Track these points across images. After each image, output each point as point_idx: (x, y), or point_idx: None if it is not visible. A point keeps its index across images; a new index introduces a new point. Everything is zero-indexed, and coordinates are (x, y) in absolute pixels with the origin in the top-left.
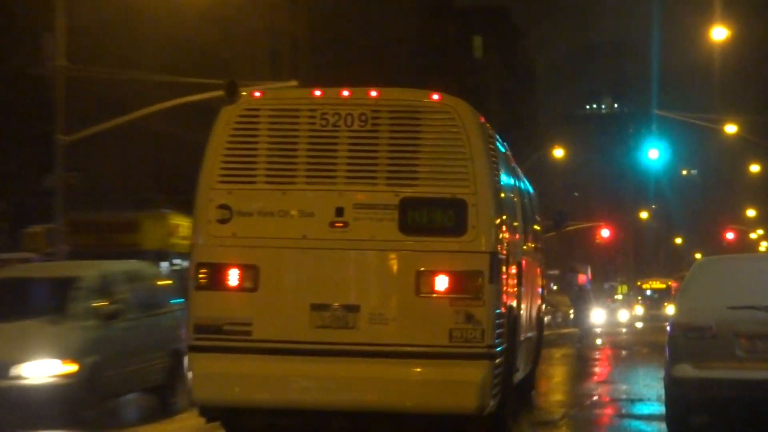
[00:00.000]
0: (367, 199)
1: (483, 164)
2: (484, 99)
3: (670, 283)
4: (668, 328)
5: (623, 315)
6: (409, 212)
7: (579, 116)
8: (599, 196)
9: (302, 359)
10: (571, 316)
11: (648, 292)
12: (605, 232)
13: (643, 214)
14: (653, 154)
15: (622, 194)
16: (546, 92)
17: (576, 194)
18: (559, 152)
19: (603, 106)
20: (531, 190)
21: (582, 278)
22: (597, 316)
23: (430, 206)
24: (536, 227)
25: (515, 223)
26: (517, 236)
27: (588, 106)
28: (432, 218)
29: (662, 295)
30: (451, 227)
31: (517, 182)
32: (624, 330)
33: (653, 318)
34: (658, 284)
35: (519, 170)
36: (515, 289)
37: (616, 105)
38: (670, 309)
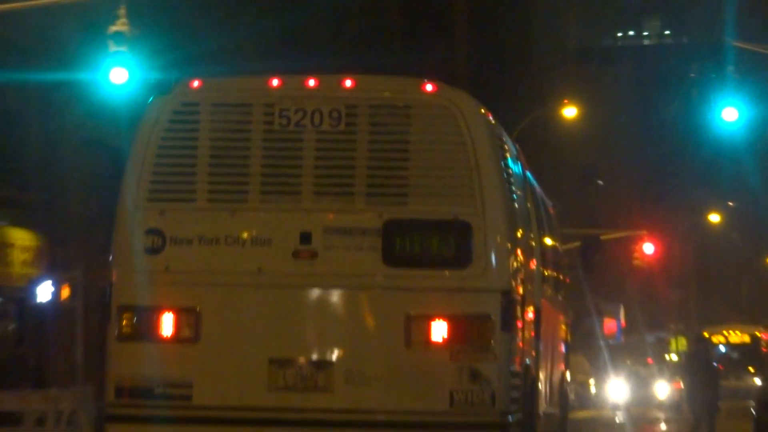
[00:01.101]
0: (342, 222)
1: (492, 175)
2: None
3: (758, 333)
4: (753, 414)
5: (661, 389)
6: (396, 238)
7: (605, 50)
8: (638, 186)
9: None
10: (593, 389)
11: (721, 349)
12: (648, 248)
13: (714, 217)
14: (729, 114)
15: (676, 184)
16: (550, 12)
17: (600, 182)
18: (570, 111)
19: (645, 33)
20: (548, 204)
21: (610, 325)
22: (618, 389)
23: (424, 230)
24: (559, 257)
25: (533, 253)
26: (536, 270)
27: (620, 33)
28: (426, 246)
29: (746, 355)
30: (451, 258)
31: (533, 197)
32: (665, 417)
33: (731, 393)
34: (738, 336)
35: (533, 179)
36: (533, 341)
37: (667, 31)
38: (758, 380)
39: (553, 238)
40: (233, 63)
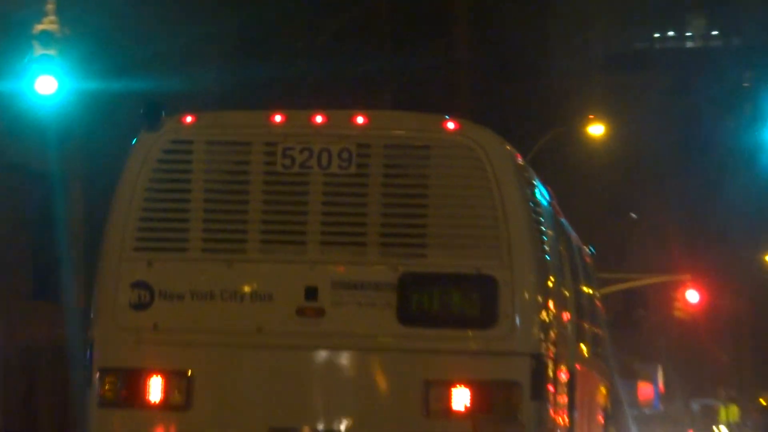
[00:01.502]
0: (352, 275)
1: (520, 224)
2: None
3: None
4: None
5: None
6: (413, 294)
7: (639, 54)
8: (679, 220)
9: None
10: None
11: None
12: (692, 296)
13: None
14: None
15: (725, 218)
16: (572, 8)
17: (633, 215)
18: (596, 129)
19: (688, 34)
20: (585, 252)
21: (645, 390)
22: None
23: (444, 285)
24: (597, 312)
25: (567, 310)
26: (570, 328)
27: (657, 34)
28: (446, 303)
29: None
30: (475, 317)
31: (568, 246)
32: None
33: None
34: None
35: (569, 227)
36: (567, 410)
37: (714, 32)
38: None
39: (590, 292)
40: (185, 69)
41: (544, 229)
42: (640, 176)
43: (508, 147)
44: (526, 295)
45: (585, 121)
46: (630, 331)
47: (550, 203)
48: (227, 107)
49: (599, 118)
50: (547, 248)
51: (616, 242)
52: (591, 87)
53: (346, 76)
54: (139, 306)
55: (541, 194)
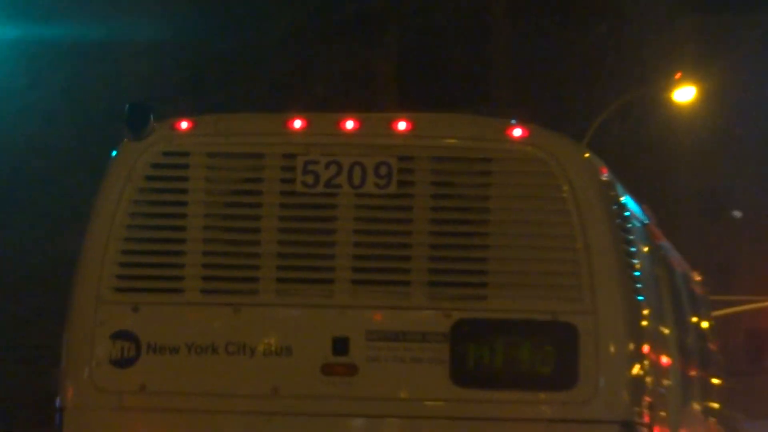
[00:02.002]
0: (392, 323)
1: (607, 256)
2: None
3: None
4: None
5: None
6: (469, 347)
7: None
8: None
9: None
10: None
11: None
12: None
13: None
14: None
15: None
16: None
17: (736, 214)
18: (685, 93)
19: None
20: (694, 282)
21: None
22: None
23: (510, 336)
24: (710, 358)
25: (669, 359)
26: (673, 386)
27: None
28: (513, 358)
29: None
30: (549, 375)
31: (670, 279)
32: None
33: None
34: None
35: (671, 251)
36: None
37: None
38: None
39: (700, 331)
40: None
41: (637, 261)
42: (747, 160)
43: (591, 159)
44: (614, 348)
45: (669, 83)
46: (747, 378)
47: (645, 226)
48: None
49: (689, 78)
50: (641, 285)
51: (712, 250)
52: (677, 36)
53: (340, 14)
54: (122, 362)
55: (634, 216)
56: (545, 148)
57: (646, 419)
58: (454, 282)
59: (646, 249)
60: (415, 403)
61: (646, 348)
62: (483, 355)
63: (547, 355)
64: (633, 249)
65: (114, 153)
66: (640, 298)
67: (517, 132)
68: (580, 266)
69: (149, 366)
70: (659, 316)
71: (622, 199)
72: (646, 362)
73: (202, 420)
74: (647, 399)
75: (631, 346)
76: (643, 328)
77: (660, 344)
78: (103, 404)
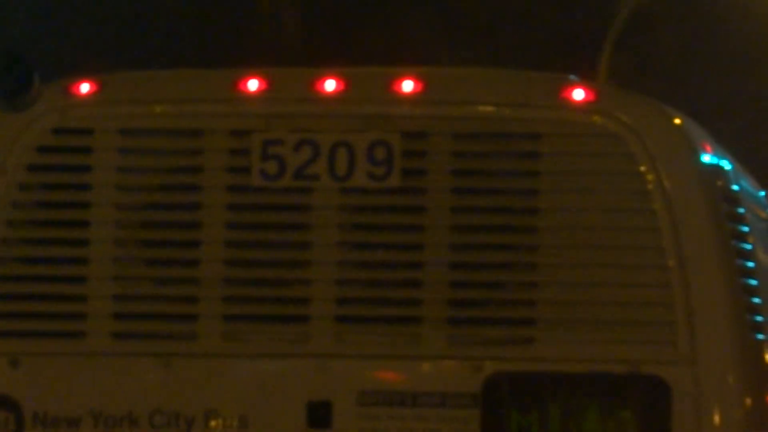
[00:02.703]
0: (396, 380)
1: (713, 279)
2: None
3: None
4: None
5: None
6: (511, 413)
7: None
8: None
9: None
10: None
11: None
12: None
13: None
14: None
15: None
16: None
17: None
18: None
19: None
20: None
21: None
22: None
23: (569, 396)
24: None
25: None
26: None
27: None
28: (576, 429)
29: None
30: None
31: None
32: None
33: None
34: None
35: None
36: None
37: None
38: None
39: None
40: None
41: (757, 281)
42: None
43: (688, 132)
44: (723, 413)
45: None
46: None
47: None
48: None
49: None
50: (764, 318)
51: None
52: None
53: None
54: None
55: (753, 213)
56: (621, 118)
57: None
58: (486, 318)
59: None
60: None
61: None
62: (530, 426)
63: (624, 424)
64: (751, 264)
65: None
66: (760, 336)
67: (579, 94)
68: (673, 294)
69: None
70: None
71: (735, 188)
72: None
73: None
74: None
75: (749, 409)
76: (763, 379)
77: None
78: None
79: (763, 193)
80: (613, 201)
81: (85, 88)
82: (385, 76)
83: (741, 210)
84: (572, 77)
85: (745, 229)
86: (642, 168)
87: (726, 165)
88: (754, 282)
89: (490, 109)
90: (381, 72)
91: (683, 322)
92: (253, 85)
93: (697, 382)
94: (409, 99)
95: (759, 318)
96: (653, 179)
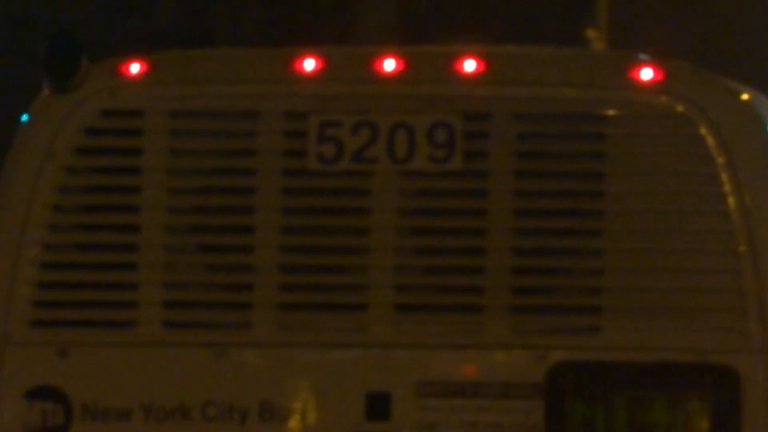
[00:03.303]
0: (457, 370)
1: None
2: None
3: None
4: None
5: None
6: (576, 404)
7: None
8: None
9: None
10: None
11: None
12: None
13: None
14: None
15: None
16: None
17: None
18: None
19: None
20: None
21: None
22: None
23: (637, 386)
24: None
25: None
26: None
27: None
28: (644, 422)
29: None
30: None
31: None
32: None
33: None
34: None
35: None
36: None
37: None
38: None
39: None
40: None
41: None
42: None
43: (760, 113)
44: None
45: None
46: None
47: None
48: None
49: None
50: None
51: None
52: None
53: None
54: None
55: None
56: (690, 98)
57: None
58: (550, 305)
59: None
60: None
61: None
62: (596, 416)
63: (695, 415)
64: None
65: (25, 116)
66: None
67: (647, 73)
68: (743, 280)
69: None
70: None
71: None
72: None
73: None
74: None
75: None
76: None
77: None
78: None
79: None
80: (682, 184)
81: (135, 68)
82: (446, 56)
83: None
84: (641, 56)
85: None
86: (711, 150)
87: None
88: None
89: (554, 89)
90: (442, 51)
91: (754, 309)
92: (309, 64)
93: None
94: (471, 79)
95: None
96: (723, 162)
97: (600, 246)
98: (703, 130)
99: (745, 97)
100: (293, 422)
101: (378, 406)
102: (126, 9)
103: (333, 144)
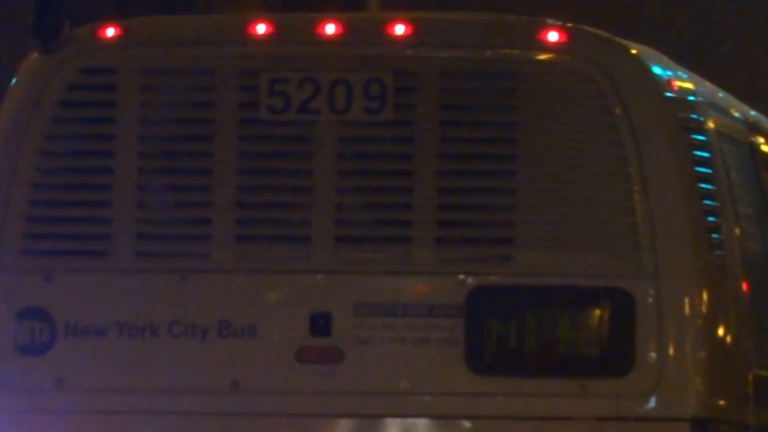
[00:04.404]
0: (389, 293)
1: (674, 201)
2: None
3: None
4: None
5: None
6: (491, 323)
7: None
8: None
9: None
10: None
11: None
12: None
13: None
14: None
15: None
16: None
17: None
18: None
19: None
20: None
21: None
22: None
23: (544, 307)
24: None
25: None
26: None
27: None
28: (548, 338)
29: None
30: (597, 359)
31: None
32: None
33: None
34: None
35: None
36: None
37: None
38: None
39: None
40: None
41: (719, 201)
42: None
43: (652, 69)
44: (684, 321)
45: None
46: None
47: (751, 144)
48: None
49: None
50: (726, 233)
51: None
52: None
53: None
54: (32, 349)
55: (727, 137)
56: (590, 57)
57: (733, 417)
58: (469, 237)
59: (743, 179)
60: (419, 398)
61: (733, 317)
62: (508, 333)
63: (593, 332)
64: (711, 187)
65: (14, 77)
66: (718, 252)
67: (553, 36)
68: (637, 215)
69: (68, 354)
70: (756, 270)
71: (699, 118)
72: (731, 338)
73: (139, 424)
74: (733, 390)
75: (708, 318)
76: (726, 290)
77: (747, 310)
78: (8, 406)
79: (753, 114)
80: (584, 132)
81: (110, 32)
82: (379, 21)
83: (703, 138)
84: (548, 20)
85: (707, 155)
86: (609, 103)
87: (691, 97)
88: (714, 203)
89: (473, 50)
90: (375, 17)
91: (646, 240)
92: (261, 28)
93: (660, 293)
94: (401, 41)
95: (717, 236)
96: (620, 113)
97: (512, 185)
98: (601, 85)
99: (639, 55)
100: (247, 338)
101: (321, 324)
102: None
103: (281, 97)
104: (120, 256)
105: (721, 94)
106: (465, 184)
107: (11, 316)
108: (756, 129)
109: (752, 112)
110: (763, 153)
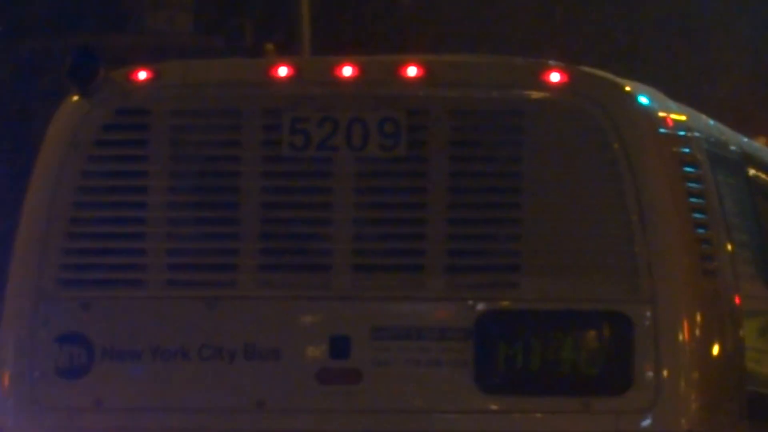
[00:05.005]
0: (404, 317)
1: (669, 229)
2: None
3: None
4: None
5: None
6: (499, 345)
7: None
8: None
9: None
10: None
11: None
12: None
13: None
14: None
15: None
16: None
17: None
18: None
19: None
20: None
21: None
22: None
23: (548, 331)
24: None
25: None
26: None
27: None
28: (552, 358)
29: None
30: (597, 379)
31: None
32: None
33: None
34: None
35: None
36: None
37: None
38: None
39: None
40: None
41: (714, 231)
42: None
43: (648, 106)
44: (680, 342)
45: None
46: None
47: (747, 177)
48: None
49: None
50: (720, 259)
51: None
52: None
53: None
54: (72, 372)
55: (722, 169)
56: (590, 96)
57: (723, 430)
58: (478, 266)
59: (737, 206)
60: (432, 416)
61: (724, 338)
62: (515, 354)
63: (594, 353)
64: (705, 216)
65: (59, 109)
66: (712, 277)
67: (555, 76)
68: (635, 244)
69: (105, 376)
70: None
71: (692, 152)
72: (722, 359)
73: None
74: (724, 407)
75: (701, 341)
76: (718, 316)
77: (735, 337)
78: (49, 425)
79: (746, 141)
80: (585, 167)
81: (142, 75)
82: (393, 63)
83: (696, 170)
84: (551, 62)
85: (700, 186)
86: (609, 138)
87: (685, 132)
88: (708, 232)
89: (481, 90)
90: (390, 59)
91: (644, 267)
92: (283, 71)
93: (657, 316)
94: (413, 82)
95: (710, 262)
96: (618, 148)
97: (518, 216)
98: (600, 122)
99: (635, 93)
100: (272, 361)
101: (340, 347)
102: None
103: (302, 135)
104: (153, 285)
105: (715, 125)
106: (474, 216)
107: (52, 341)
108: (749, 157)
109: (745, 140)
110: (756, 180)
